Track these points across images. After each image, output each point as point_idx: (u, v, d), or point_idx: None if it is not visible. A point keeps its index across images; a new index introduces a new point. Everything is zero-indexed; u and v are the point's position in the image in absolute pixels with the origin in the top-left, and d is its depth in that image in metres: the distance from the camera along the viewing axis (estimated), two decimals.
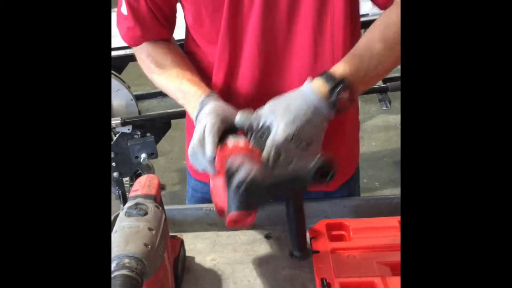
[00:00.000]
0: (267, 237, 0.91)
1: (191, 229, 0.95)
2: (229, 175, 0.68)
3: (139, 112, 1.92)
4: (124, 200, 2.05)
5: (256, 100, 0.83)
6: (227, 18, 0.84)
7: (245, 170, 0.66)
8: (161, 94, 2.00)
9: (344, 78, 0.74)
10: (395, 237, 0.78)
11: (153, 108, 2.03)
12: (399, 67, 0.80)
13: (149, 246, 0.64)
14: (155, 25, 0.91)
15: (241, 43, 0.87)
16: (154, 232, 0.66)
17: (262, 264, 0.84)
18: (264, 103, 0.78)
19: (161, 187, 0.78)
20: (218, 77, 0.91)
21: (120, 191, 2.04)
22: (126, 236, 0.64)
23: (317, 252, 0.79)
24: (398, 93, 1.92)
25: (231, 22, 0.85)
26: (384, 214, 0.88)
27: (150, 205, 0.70)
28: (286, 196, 0.79)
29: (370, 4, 0.90)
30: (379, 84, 2.11)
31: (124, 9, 0.90)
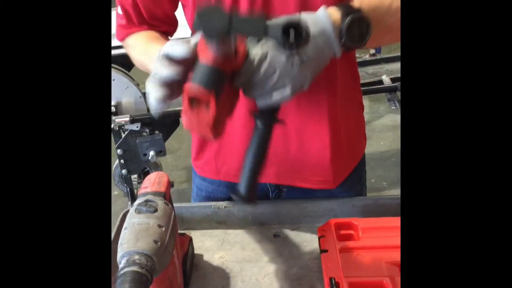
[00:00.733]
0: (275, 235, 0.92)
1: (199, 226, 0.96)
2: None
3: (148, 110, 1.93)
4: (132, 197, 2.06)
5: None
6: None
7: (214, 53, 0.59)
8: None
9: (358, 10, 0.69)
10: None
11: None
12: None
13: (159, 243, 0.64)
14: (149, 24, 0.93)
15: None
16: (163, 229, 0.66)
17: (270, 262, 0.85)
18: None
19: (170, 184, 0.78)
20: None
21: (128, 188, 2.05)
22: (136, 233, 0.64)
23: (326, 251, 0.79)
24: None
25: None
26: (393, 214, 0.87)
27: (160, 202, 0.70)
28: (255, 126, 0.72)
29: None
30: (388, 83, 2.10)
31: (119, 9, 0.93)
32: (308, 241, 0.89)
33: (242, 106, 0.87)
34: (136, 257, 0.61)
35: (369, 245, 0.80)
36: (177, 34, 0.98)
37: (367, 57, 2.64)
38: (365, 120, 1.07)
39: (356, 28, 0.68)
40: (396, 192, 2.64)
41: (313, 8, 0.73)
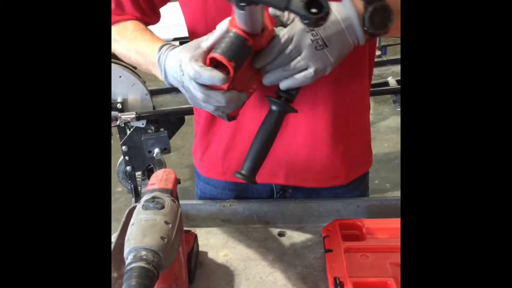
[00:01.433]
0: (280, 234, 0.92)
1: (204, 224, 0.96)
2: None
3: (154, 107, 1.93)
4: (136, 194, 2.07)
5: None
6: None
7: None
8: (175, 90, 2.01)
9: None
10: None
11: (167, 103, 2.05)
12: None
13: (166, 240, 0.64)
14: (137, 11, 0.90)
15: None
16: (170, 225, 0.67)
17: (274, 261, 0.85)
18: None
19: (177, 181, 0.79)
20: None
21: (132, 185, 2.06)
22: (143, 229, 0.65)
23: (330, 250, 0.79)
24: None
25: None
26: (398, 215, 0.87)
27: (167, 199, 0.70)
28: (269, 111, 0.75)
29: None
30: (394, 85, 2.10)
31: None
32: (312, 240, 0.89)
33: (251, 106, 0.87)
34: (143, 253, 0.62)
35: (374, 245, 0.80)
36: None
37: None
38: (369, 121, 1.07)
39: (379, 15, 0.70)
40: (400, 193, 2.64)
41: None
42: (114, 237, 0.86)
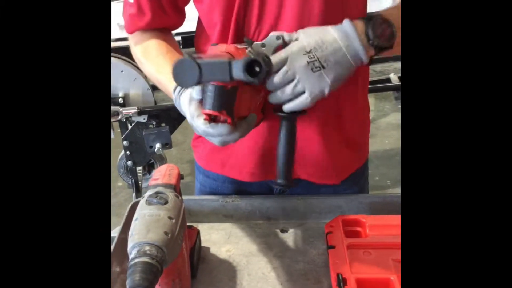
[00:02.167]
0: (282, 230, 0.92)
1: (206, 219, 0.96)
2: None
3: (155, 102, 1.93)
4: (137, 189, 2.07)
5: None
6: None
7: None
8: None
9: (378, 13, 0.73)
10: None
11: (169, 98, 2.04)
12: None
13: (169, 235, 0.64)
14: (159, 13, 0.89)
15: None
16: (174, 221, 0.66)
17: (276, 257, 0.85)
18: None
19: (180, 177, 0.78)
20: None
21: (133, 180, 2.06)
22: (147, 224, 0.65)
23: (333, 247, 0.79)
24: None
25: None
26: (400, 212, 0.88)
27: (170, 194, 0.70)
28: (280, 124, 0.77)
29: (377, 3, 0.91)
30: (396, 81, 2.09)
31: None
32: (314, 237, 0.89)
33: None
34: (147, 248, 0.62)
35: (377, 242, 0.80)
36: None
37: None
38: (370, 118, 1.07)
39: (381, 27, 0.70)
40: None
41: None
42: (115, 232, 0.86)
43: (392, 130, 3.24)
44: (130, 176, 2.07)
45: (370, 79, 2.28)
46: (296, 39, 0.72)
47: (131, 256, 0.61)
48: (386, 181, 2.78)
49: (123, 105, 1.84)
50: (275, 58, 0.70)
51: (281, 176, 0.79)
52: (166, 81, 0.83)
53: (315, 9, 0.79)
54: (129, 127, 1.90)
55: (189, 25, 0.94)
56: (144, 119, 1.86)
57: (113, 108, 1.82)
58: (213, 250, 0.88)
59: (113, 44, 1.93)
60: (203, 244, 0.89)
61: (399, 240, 0.78)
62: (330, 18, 0.78)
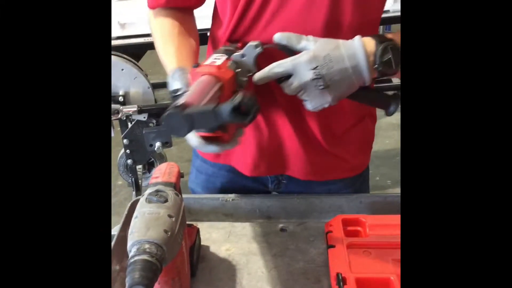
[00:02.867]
0: (282, 230, 0.92)
1: (206, 218, 0.96)
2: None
3: (155, 101, 1.93)
4: (137, 187, 2.07)
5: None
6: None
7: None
8: None
9: (391, 39, 0.72)
10: None
11: (169, 97, 2.03)
12: None
13: (169, 233, 0.64)
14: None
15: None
16: (173, 219, 0.66)
17: (276, 256, 0.85)
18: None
19: (180, 175, 0.78)
20: None
21: (133, 179, 2.06)
22: (147, 222, 0.64)
23: (333, 246, 0.79)
24: None
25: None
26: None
27: (170, 193, 0.70)
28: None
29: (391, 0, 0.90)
30: (396, 81, 2.09)
31: None
32: (315, 236, 0.89)
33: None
34: (147, 246, 0.62)
35: (377, 242, 0.80)
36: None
37: None
38: (371, 125, 1.04)
39: (390, 54, 0.70)
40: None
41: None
42: (115, 230, 0.86)
43: (393, 130, 3.23)
44: (130, 175, 2.06)
45: None
46: (304, 48, 0.72)
47: (130, 254, 0.61)
48: (387, 181, 2.78)
49: (123, 103, 1.84)
50: (280, 68, 0.71)
51: (390, 105, 0.80)
52: (166, 62, 0.84)
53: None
54: (129, 125, 1.90)
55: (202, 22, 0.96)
56: (144, 117, 1.85)
57: (113, 106, 1.82)
58: (212, 248, 0.88)
59: (114, 43, 1.93)
60: (203, 242, 0.88)
61: (399, 240, 0.78)
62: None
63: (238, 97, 0.56)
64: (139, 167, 2.07)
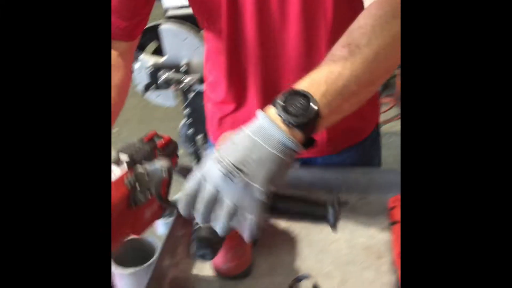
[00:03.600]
0: (343, 203, 0.90)
1: None
2: None
3: None
4: (197, 157, 2.11)
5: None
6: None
7: None
8: None
9: (288, 90, 0.58)
10: None
11: None
12: None
13: None
14: (117, 20, 0.80)
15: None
16: None
17: (337, 230, 0.84)
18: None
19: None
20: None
21: (193, 148, 2.10)
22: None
23: (397, 222, 0.77)
24: None
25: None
26: None
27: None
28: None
29: None
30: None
31: None
32: (377, 211, 0.87)
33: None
34: None
35: None
36: None
37: None
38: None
39: (292, 104, 0.56)
40: None
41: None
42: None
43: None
44: (191, 144, 2.11)
45: None
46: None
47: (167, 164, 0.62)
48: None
49: (186, 72, 1.86)
50: (190, 185, 0.57)
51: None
52: None
53: None
54: (191, 95, 1.93)
55: None
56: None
57: (176, 76, 1.85)
58: (272, 220, 0.88)
59: (176, 12, 1.94)
60: None
61: None
62: None
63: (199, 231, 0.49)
64: (199, 137, 2.11)
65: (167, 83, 1.88)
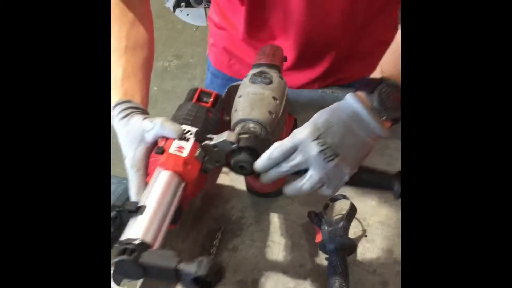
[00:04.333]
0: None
1: (303, 111, 0.92)
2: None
3: None
4: None
5: None
6: None
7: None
8: None
9: (380, 80, 0.59)
10: None
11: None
12: None
13: (273, 115, 0.62)
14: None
15: None
16: (278, 101, 0.64)
17: (375, 154, 0.81)
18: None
19: (283, 59, 0.74)
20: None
21: None
22: (251, 102, 0.62)
23: None
24: None
25: None
26: None
27: (275, 75, 0.67)
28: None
29: None
30: None
31: None
32: None
33: None
34: (251, 125, 0.60)
35: None
36: None
37: None
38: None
39: (389, 97, 0.58)
40: None
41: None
42: None
43: None
44: None
45: None
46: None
47: (235, 131, 0.60)
48: None
49: None
50: (280, 151, 0.58)
51: None
52: (112, 87, 0.67)
53: None
54: None
55: None
56: None
57: None
58: None
59: None
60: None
61: None
62: None
63: (203, 266, 0.48)
64: None
65: (199, 0, 1.80)
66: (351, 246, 0.65)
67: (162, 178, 0.56)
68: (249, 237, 0.71)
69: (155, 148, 0.59)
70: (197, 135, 0.60)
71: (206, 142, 0.60)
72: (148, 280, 0.60)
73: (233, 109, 0.63)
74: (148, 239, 0.50)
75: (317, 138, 0.57)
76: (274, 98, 0.64)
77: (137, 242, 0.49)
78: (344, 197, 0.71)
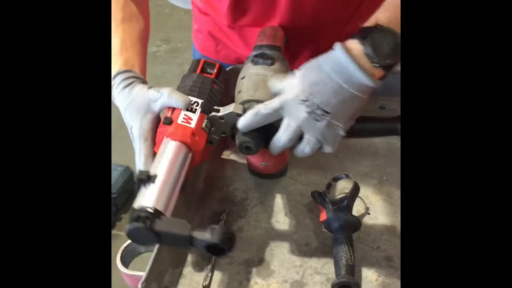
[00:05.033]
0: (382, 107, 0.88)
1: None
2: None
3: None
4: None
5: None
6: None
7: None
8: None
9: (375, 26, 0.57)
10: None
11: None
12: None
13: None
14: None
15: None
16: None
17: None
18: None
19: (284, 40, 0.74)
20: None
21: None
22: (255, 83, 0.62)
23: None
24: None
25: None
26: None
27: (276, 56, 0.67)
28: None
29: None
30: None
31: None
32: None
33: None
34: (256, 105, 0.60)
35: None
36: None
37: None
38: None
39: (383, 43, 0.55)
40: None
41: None
42: None
43: None
44: None
45: None
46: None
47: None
48: None
49: None
50: (267, 109, 0.58)
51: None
52: (112, 57, 0.67)
53: None
54: None
55: None
56: None
57: None
58: None
59: None
60: None
61: None
62: None
63: (216, 234, 0.49)
64: None
65: None
66: (356, 223, 0.66)
67: (171, 148, 0.57)
68: (254, 218, 0.72)
69: (163, 118, 0.60)
70: (203, 106, 0.61)
71: (213, 113, 0.61)
72: (158, 264, 0.60)
73: (236, 91, 0.64)
74: (160, 207, 0.51)
75: (305, 100, 0.56)
76: None
77: (150, 210, 0.50)
78: (347, 176, 0.72)
